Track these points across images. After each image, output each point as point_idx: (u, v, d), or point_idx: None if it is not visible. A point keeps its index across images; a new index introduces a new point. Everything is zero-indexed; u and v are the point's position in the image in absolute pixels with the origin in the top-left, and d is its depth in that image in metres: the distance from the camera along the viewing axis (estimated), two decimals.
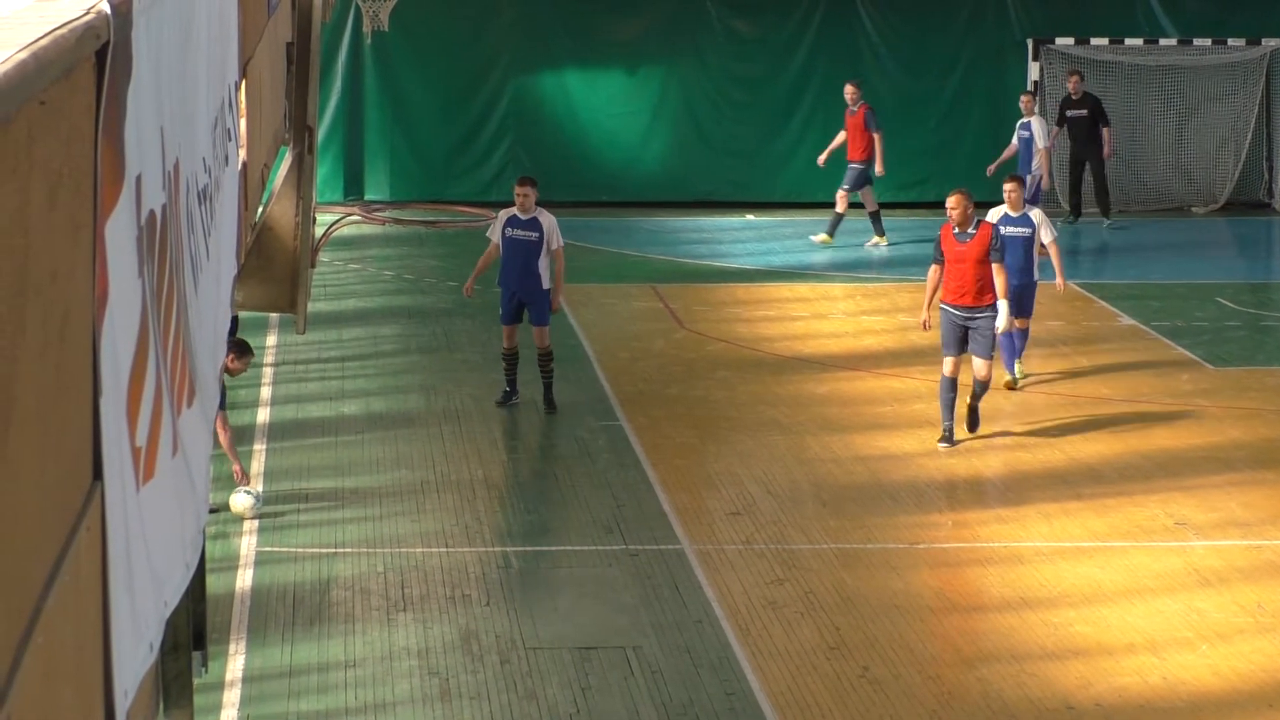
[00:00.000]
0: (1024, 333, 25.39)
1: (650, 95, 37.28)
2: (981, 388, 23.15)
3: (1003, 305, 22.95)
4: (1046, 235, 25.93)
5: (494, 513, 21.07)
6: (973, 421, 23.33)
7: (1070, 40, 39.30)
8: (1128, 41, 38.84)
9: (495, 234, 24.87)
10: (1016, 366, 25.96)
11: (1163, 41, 38.19)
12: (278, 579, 19.87)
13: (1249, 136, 37.78)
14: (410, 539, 21.06)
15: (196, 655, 10.49)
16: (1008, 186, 26.35)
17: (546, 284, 24.89)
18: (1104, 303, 27.50)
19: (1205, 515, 21.21)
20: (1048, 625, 18.50)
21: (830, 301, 31.78)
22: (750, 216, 35.79)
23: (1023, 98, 35.74)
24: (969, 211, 23.14)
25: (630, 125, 37.14)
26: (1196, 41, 37.35)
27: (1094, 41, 39.16)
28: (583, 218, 34.22)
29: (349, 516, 21.57)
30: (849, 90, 35.69)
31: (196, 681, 12.62)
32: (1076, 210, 38.04)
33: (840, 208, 34.54)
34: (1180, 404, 25.62)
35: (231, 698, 16.71)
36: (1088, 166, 38.26)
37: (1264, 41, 37.27)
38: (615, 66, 37.24)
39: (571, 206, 34.51)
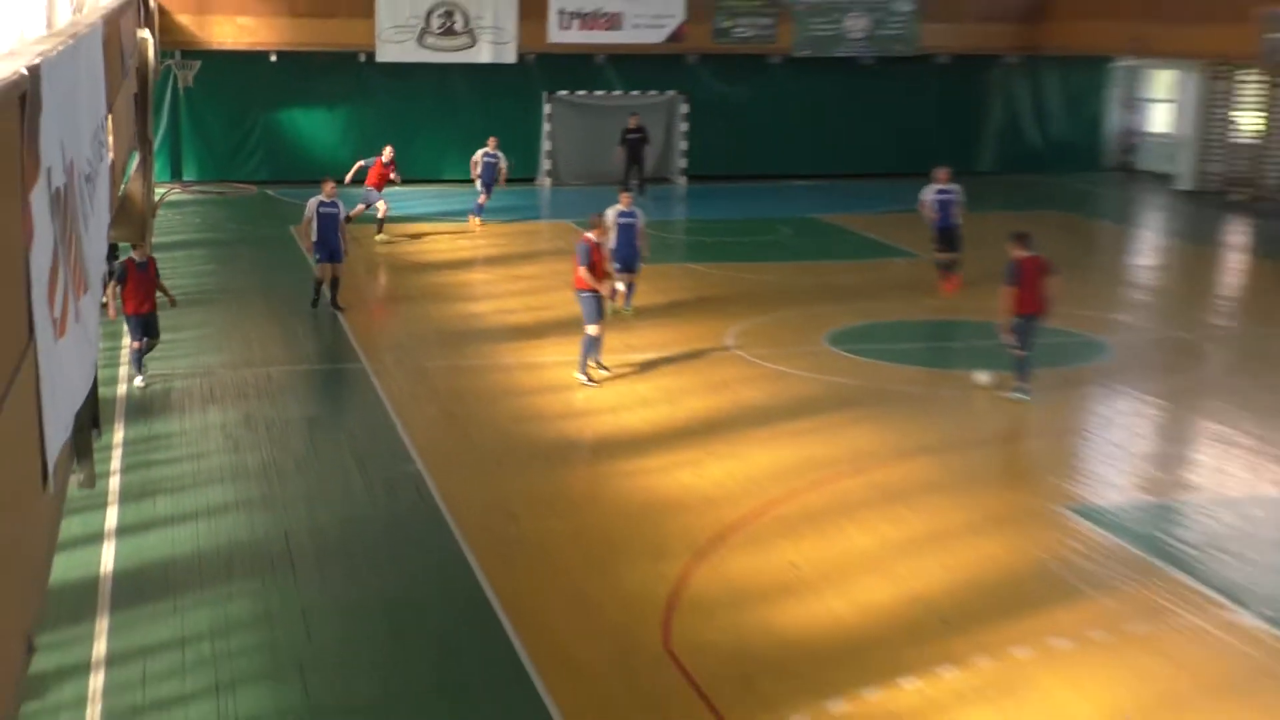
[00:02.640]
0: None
1: (339, 120, 35.79)
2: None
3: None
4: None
5: (263, 344, 20.84)
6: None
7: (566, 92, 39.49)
8: (594, 92, 39.04)
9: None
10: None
11: (614, 92, 38.76)
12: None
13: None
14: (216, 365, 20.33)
15: (94, 432, 10.22)
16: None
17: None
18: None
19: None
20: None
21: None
22: (398, 188, 34.57)
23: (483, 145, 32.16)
24: None
25: (331, 135, 35.81)
26: (633, 92, 36.82)
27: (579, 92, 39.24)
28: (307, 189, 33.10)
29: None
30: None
31: (95, 444, 12.12)
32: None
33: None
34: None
35: (115, 460, 15.92)
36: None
37: (666, 91, 36.89)
38: (321, 103, 35.83)
39: (300, 184, 33.48)
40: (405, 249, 29.07)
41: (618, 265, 21.80)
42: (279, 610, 11.88)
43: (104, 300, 22.16)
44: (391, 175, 29.60)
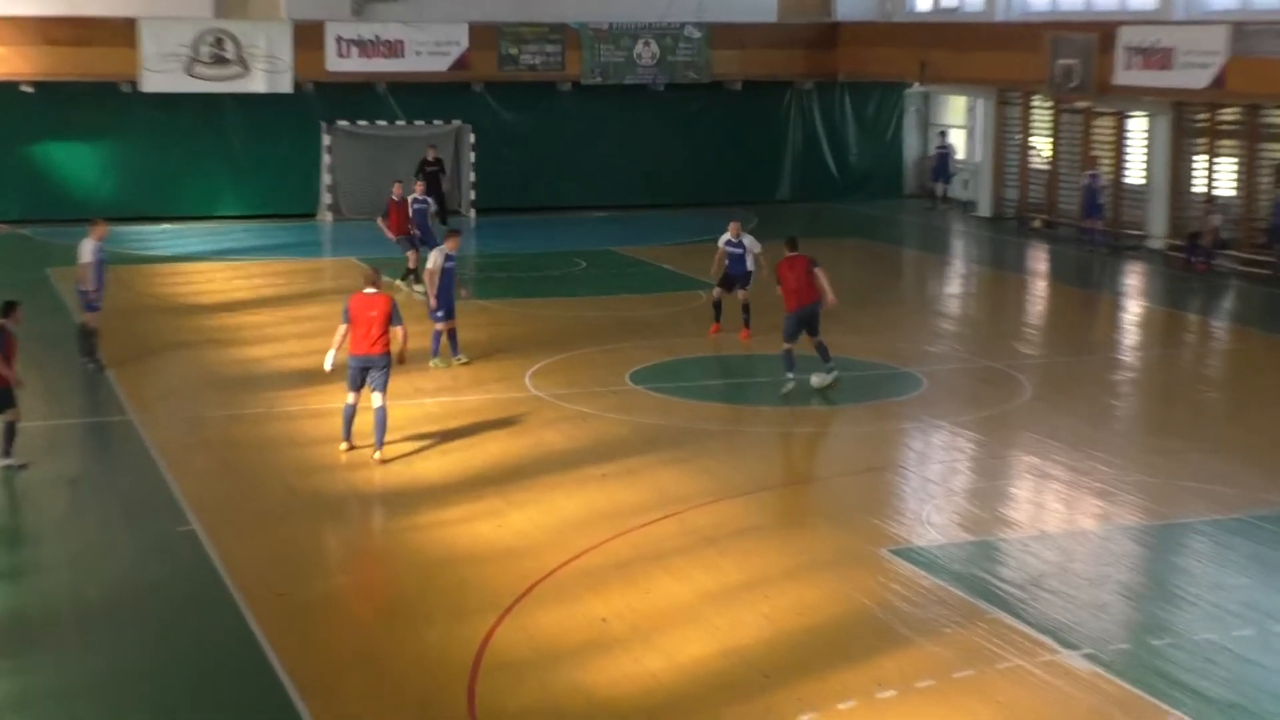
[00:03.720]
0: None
1: (102, 155, 34.55)
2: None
3: None
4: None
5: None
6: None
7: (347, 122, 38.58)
8: (377, 121, 38.39)
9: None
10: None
11: (397, 122, 37.71)
12: None
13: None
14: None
15: None
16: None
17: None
18: None
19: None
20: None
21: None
22: (166, 226, 33.44)
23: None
24: None
25: (92, 171, 34.52)
26: (418, 122, 36.11)
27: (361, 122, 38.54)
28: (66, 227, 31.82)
29: None
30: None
31: None
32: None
33: None
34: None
35: None
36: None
37: (452, 121, 36.23)
38: (81, 136, 34.60)
39: (58, 223, 32.11)
40: (175, 291, 27.83)
41: (441, 314, 20.89)
42: (36, 693, 11.14)
43: None
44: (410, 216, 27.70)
